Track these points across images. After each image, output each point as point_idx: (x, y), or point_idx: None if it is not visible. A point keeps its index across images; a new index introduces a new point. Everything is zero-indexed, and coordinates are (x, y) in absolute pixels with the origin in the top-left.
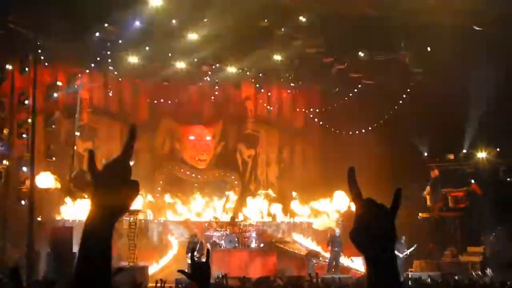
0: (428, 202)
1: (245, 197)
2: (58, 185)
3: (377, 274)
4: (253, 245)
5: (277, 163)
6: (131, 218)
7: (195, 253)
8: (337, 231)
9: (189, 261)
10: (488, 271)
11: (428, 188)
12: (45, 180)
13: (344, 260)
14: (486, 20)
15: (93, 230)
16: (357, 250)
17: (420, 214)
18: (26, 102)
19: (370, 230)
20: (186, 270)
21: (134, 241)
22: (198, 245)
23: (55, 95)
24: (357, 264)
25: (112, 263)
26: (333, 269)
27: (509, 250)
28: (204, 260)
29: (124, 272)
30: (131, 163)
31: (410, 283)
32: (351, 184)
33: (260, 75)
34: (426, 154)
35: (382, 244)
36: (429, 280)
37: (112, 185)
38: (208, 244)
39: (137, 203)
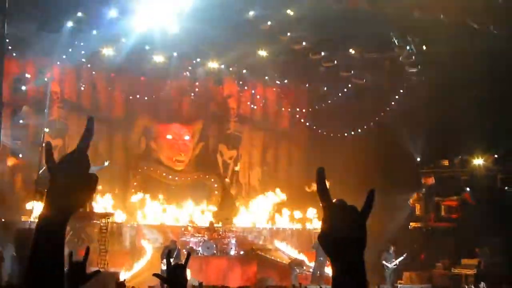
0: (418, 211)
1: (227, 201)
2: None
3: (344, 279)
4: (233, 252)
5: (260, 166)
6: (103, 222)
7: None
8: None
9: (163, 267)
10: (482, 285)
11: (415, 195)
12: None
13: (329, 270)
14: (485, 19)
15: (46, 225)
16: (326, 253)
17: (411, 223)
18: None
19: (339, 233)
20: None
21: (105, 246)
22: (175, 252)
23: (23, 87)
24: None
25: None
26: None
27: (505, 264)
28: (182, 263)
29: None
30: (106, 163)
31: None
32: (319, 186)
33: (244, 71)
34: (419, 159)
35: (350, 247)
36: None
37: (68, 178)
38: (184, 250)
39: (109, 205)
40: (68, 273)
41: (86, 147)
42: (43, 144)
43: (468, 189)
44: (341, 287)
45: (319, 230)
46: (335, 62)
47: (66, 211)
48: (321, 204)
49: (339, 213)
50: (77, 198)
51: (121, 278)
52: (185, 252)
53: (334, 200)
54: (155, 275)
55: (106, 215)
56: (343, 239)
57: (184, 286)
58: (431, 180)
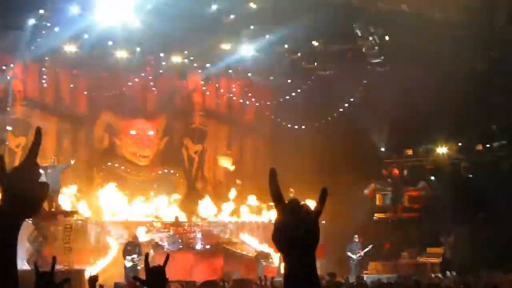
0: (378, 202)
1: (192, 196)
2: None
3: (295, 274)
4: (199, 246)
5: (226, 160)
6: (67, 220)
7: (135, 257)
8: None
9: (127, 263)
10: (448, 274)
11: (371, 186)
12: None
13: None
14: (449, 7)
15: None
16: (279, 251)
17: (376, 214)
18: None
19: (291, 232)
20: (124, 274)
21: (70, 244)
22: (137, 249)
23: None
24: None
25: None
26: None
27: (470, 251)
28: (158, 264)
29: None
30: (72, 162)
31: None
32: (272, 186)
33: (208, 65)
34: (383, 149)
35: (303, 245)
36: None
37: (18, 186)
38: (150, 246)
39: (73, 203)
40: (36, 285)
41: (35, 156)
42: (6, 143)
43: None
44: (293, 282)
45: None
46: (299, 54)
47: (16, 217)
48: (273, 204)
49: (291, 212)
50: (27, 206)
51: (87, 275)
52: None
53: (286, 201)
54: (134, 277)
55: (71, 213)
56: (294, 237)
57: (164, 286)
58: (398, 172)
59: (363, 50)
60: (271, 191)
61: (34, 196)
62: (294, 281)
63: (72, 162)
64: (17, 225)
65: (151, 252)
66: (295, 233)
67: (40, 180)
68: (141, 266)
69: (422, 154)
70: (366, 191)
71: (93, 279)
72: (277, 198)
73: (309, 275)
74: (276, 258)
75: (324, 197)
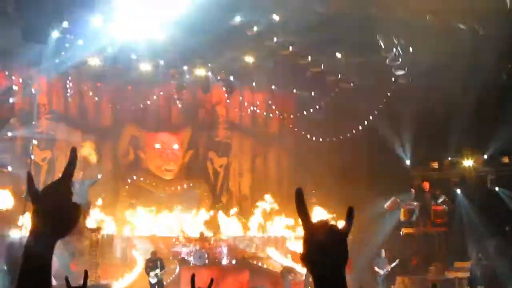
0: (403, 216)
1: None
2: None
3: None
4: (225, 261)
5: (250, 172)
6: (93, 236)
7: (159, 271)
8: None
9: (151, 280)
10: None
11: (392, 199)
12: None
13: None
14: (472, 20)
15: (32, 253)
16: (309, 272)
17: (402, 229)
18: None
19: (321, 253)
20: None
21: (96, 260)
22: (158, 263)
23: (11, 100)
24: None
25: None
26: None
27: (498, 265)
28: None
29: None
30: (99, 176)
31: None
32: (299, 207)
33: (231, 78)
34: (408, 162)
35: (334, 265)
36: None
37: (52, 208)
38: (176, 261)
39: (99, 217)
40: None
41: (70, 177)
42: (32, 157)
43: (457, 191)
44: None
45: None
46: (322, 67)
47: (50, 239)
48: (302, 224)
49: (319, 234)
50: (59, 228)
51: None
52: (176, 263)
53: (314, 221)
54: None
55: (97, 229)
56: (324, 259)
57: None
58: (425, 185)
59: (387, 61)
60: (298, 211)
61: (67, 217)
62: None
63: (99, 176)
64: (50, 246)
65: (177, 267)
66: (325, 252)
67: (73, 201)
68: (167, 282)
69: (448, 167)
70: (386, 205)
71: None
72: (304, 217)
73: None
74: (302, 272)
75: (352, 216)
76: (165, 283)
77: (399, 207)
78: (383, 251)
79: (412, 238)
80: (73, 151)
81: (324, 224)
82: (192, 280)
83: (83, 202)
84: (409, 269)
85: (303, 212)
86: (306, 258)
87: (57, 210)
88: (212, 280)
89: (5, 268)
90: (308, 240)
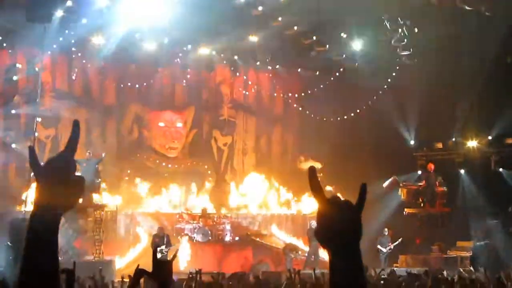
0: (404, 196)
1: (222, 187)
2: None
3: (342, 269)
4: (228, 238)
5: (255, 151)
6: (97, 214)
7: (164, 248)
8: (313, 223)
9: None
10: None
11: (392, 179)
12: None
13: (324, 254)
14: (478, 1)
15: (37, 226)
16: (323, 247)
17: (406, 209)
18: None
19: (336, 228)
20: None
21: (100, 236)
22: (165, 239)
23: (15, 78)
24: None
25: (76, 258)
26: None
27: (500, 245)
28: (169, 257)
29: None
30: (103, 155)
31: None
32: (312, 184)
33: (236, 57)
34: (412, 142)
35: (348, 240)
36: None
37: (55, 182)
38: (179, 237)
39: (102, 194)
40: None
41: (73, 151)
42: (35, 134)
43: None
44: (342, 279)
45: (313, 214)
46: (327, 46)
47: (54, 212)
48: (316, 201)
49: (336, 209)
50: (64, 201)
51: (117, 266)
52: (180, 239)
53: (328, 197)
54: (141, 270)
55: (101, 207)
56: (339, 234)
57: (169, 280)
58: (431, 165)
59: (392, 42)
60: (312, 187)
61: (71, 190)
62: (341, 276)
63: (103, 155)
64: (55, 221)
65: (180, 243)
66: (340, 228)
67: (77, 174)
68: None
69: (452, 147)
70: (385, 185)
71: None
72: (318, 193)
73: (355, 270)
74: (305, 250)
75: (365, 192)
76: (168, 260)
77: (398, 186)
78: (386, 229)
79: (415, 218)
80: (76, 124)
81: (337, 200)
82: (173, 257)
83: (90, 181)
84: (412, 248)
85: (316, 188)
86: (320, 234)
87: (61, 184)
88: (177, 251)
89: (9, 243)
90: (322, 216)
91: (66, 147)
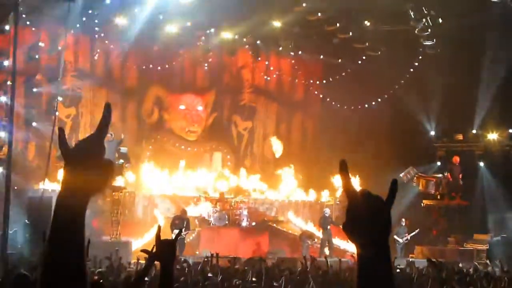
0: (421, 187)
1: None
2: None
3: (370, 265)
4: (245, 223)
5: (275, 137)
6: (115, 195)
7: (183, 231)
8: (327, 211)
9: (173, 237)
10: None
11: (409, 169)
12: None
13: (340, 243)
14: None
15: (64, 210)
16: (351, 241)
17: (424, 201)
18: (6, 63)
19: (366, 223)
20: None
21: (118, 218)
22: (184, 223)
23: (37, 56)
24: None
25: (93, 237)
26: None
27: None
28: (176, 238)
29: None
30: (122, 136)
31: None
32: (343, 177)
33: (258, 42)
34: (432, 133)
35: (377, 236)
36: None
37: (83, 165)
38: (196, 221)
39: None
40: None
41: (104, 133)
42: (56, 113)
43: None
44: (369, 275)
45: (330, 202)
46: (350, 34)
47: (85, 194)
48: (345, 194)
49: (366, 203)
50: (93, 185)
51: (133, 247)
52: (197, 223)
53: (358, 190)
54: (142, 251)
55: (119, 188)
56: (369, 229)
57: (172, 261)
58: (456, 158)
59: (416, 31)
60: (343, 181)
61: (100, 174)
62: (369, 271)
63: (122, 136)
64: (82, 204)
65: (197, 227)
66: (371, 223)
67: (107, 158)
68: (187, 241)
69: (472, 139)
70: (402, 175)
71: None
72: (348, 187)
73: (384, 265)
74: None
75: (395, 188)
76: (186, 242)
77: (413, 177)
78: (403, 220)
79: (433, 210)
80: (108, 107)
81: (366, 194)
82: (177, 236)
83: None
84: (428, 239)
85: (346, 182)
86: (347, 227)
87: (91, 167)
88: (179, 232)
89: (27, 221)
90: (350, 210)
91: (96, 129)
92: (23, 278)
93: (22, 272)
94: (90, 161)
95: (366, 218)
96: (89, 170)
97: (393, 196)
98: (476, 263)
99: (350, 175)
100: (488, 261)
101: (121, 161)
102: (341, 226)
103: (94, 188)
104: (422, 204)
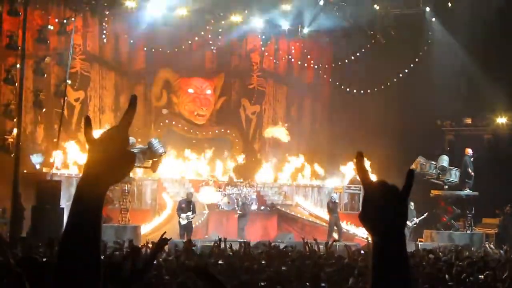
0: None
1: (249, 156)
2: None
3: (385, 254)
4: (253, 207)
5: (284, 121)
6: (125, 187)
7: (190, 214)
8: (335, 196)
9: (181, 221)
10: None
11: (418, 159)
12: None
13: (349, 227)
14: None
15: (84, 197)
16: (367, 230)
17: (432, 191)
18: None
19: (381, 212)
20: (179, 232)
21: (126, 206)
22: (191, 206)
23: (46, 40)
24: (362, 231)
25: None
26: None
27: None
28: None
29: None
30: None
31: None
32: (359, 169)
33: (267, 26)
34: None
35: (393, 225)
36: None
37: (106, 155)
38: (205, 204)
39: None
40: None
41: (128, 125)
42: (65, 97)
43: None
44: (384, 265)
45: (337, 190)
46: (359, 17)
47: (102, 185)
48: (362, 184)
49: (383, 194)
50: (114, 174)
51: (142, 232)
52: (205, 206)
53: (375, 180)
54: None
55: (128, 180)
56: (385, 219)
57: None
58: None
59: (425, 16)
60: (359, 171)
61: (121, 165)
62: (385, 261)
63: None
64: (101, 192)
65: (206, 211)
66: (387, 213)
67: (128, 150)
68: (195, 224)
69: (481, 123)
70: (414, 165)
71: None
72: (364, 177)
73: (400, 255)
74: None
75: (412, 178)
76: (193, 226)
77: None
78: (412, 204)
79: (441, 199)
80: (134, 98)
81: (382, 184)
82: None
83: None
84: (437, 224)
85: (363, 172)
86: (363, 217)
87: (111, 157)
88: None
89: (36, 205)
90: (366, 200)
91: (121, 120)
92: (32, 260)
93: (31, 255)
94: (111, 151)
95: (382, 207)
96: (112, 160)
97: (410, 186)
98: (487, 245)
99: (365, 165)
100: (492, 247)
101: (161, 150)
102: (346, 212)
103: (114, 177)
104: (430, 194)
